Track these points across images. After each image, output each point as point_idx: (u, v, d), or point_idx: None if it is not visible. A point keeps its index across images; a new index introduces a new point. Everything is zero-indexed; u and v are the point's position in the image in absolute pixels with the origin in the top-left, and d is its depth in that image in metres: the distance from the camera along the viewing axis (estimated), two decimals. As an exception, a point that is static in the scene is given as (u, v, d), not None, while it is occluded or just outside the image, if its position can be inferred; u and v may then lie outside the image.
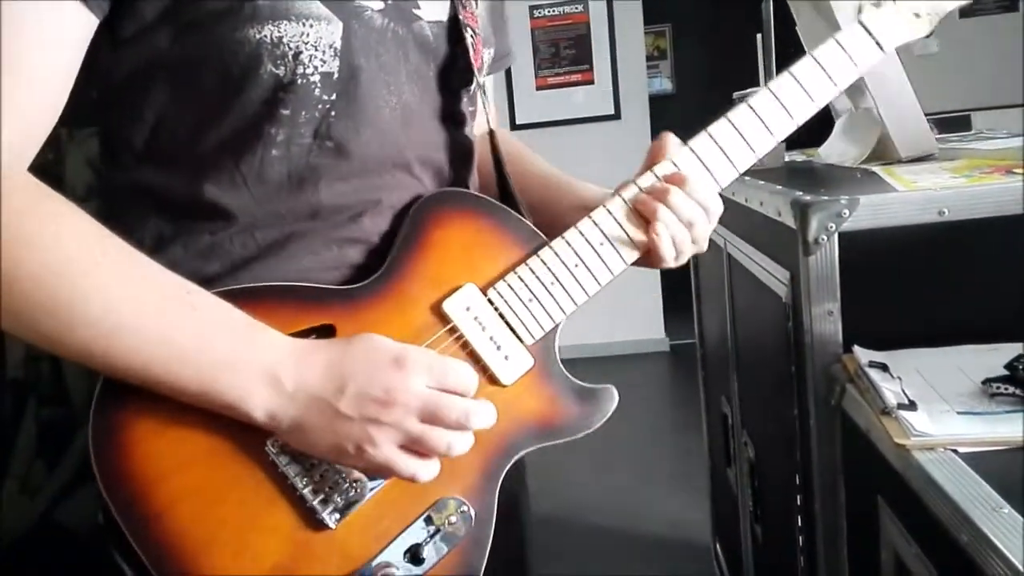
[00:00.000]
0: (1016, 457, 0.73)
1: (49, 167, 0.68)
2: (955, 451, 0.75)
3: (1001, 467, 0.71)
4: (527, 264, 0.76)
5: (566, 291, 0.76)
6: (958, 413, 0.81)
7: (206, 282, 0.67)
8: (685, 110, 5.39)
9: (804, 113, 0.81)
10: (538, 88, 4.47)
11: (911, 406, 0.82)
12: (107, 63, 0.69)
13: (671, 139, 0.80)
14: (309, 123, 0.70)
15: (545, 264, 0.76)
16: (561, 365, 0.77)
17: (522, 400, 0.75)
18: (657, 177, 0.78)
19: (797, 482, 1.17)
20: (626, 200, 0.78)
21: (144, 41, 0.68)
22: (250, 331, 0.66)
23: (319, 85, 0.70)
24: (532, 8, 4.45)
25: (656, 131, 4.85)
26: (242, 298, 0.67)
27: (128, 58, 0.69)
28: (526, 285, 0.75)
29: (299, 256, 0.72)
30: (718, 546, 2.19)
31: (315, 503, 0.68)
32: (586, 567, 2.44)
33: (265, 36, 0.67)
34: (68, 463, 1.59)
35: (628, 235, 0.77)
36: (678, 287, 1.88)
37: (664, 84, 6.04)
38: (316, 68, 0.69)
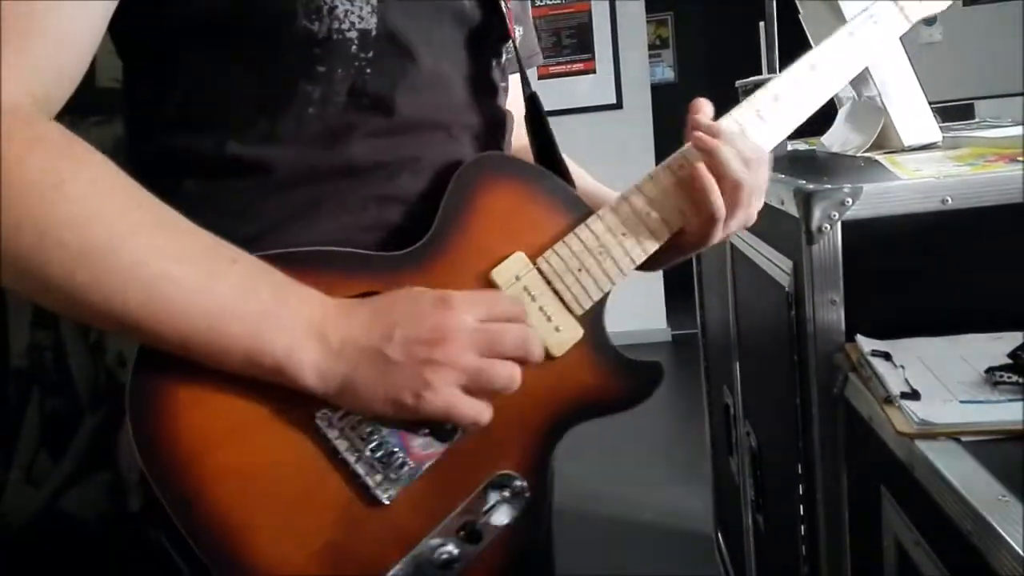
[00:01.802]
0: (1020, 446, 0.73)
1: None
2: (958, 440, 0.75)
3: (1004, 456, 0.71)
4: (575, 233, 0.74)
5: (614, 261, 0.75)
6: (961, 402, 0.81)
7: (241, 243, 0.63)
8: (688, 99, 5.36)
9: (837, 87, 0.80)
10: (540, 77, 4.45)
11: (914, 395, 0.82)
12: (138, 28, 0.68)
13: (707, 107, 0.79)
14: (345, 81, 0.69)
15: (594, 233, 0.75)
16: (609, 337, 0.75)
17: (572, 372, 0.73)
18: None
19: (799, 471, 1.17)
20: (673, 170, 0.77)
21: (180, 3, 0.66)
22: (291, 286, 0.63)
23: (356, 42, 0.68)
24: (534, -3, 4.45)
25: (658, 120, 4.82)
26: (286, 262, 0.64)
27: (162, 22, 0.67)
28: (575, 254, 0.74)
29: (335, 215, 0.70)
30: (720, 535, 2.20)
31: (368, 478, 0.66)
32: (586, 556, 2.44)
33: None
34: (73, 452, 1.60)
35: (674, 203, 0.76)
36: (680, 277, 1.87)
37: (666, 73, 6.02)
38: (353, 24, 0.67)
